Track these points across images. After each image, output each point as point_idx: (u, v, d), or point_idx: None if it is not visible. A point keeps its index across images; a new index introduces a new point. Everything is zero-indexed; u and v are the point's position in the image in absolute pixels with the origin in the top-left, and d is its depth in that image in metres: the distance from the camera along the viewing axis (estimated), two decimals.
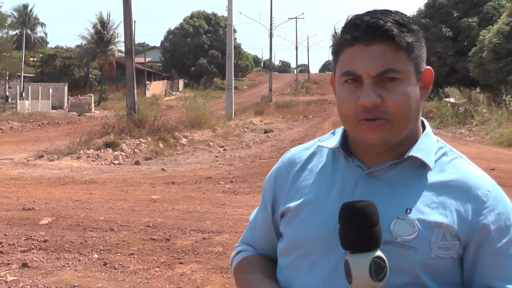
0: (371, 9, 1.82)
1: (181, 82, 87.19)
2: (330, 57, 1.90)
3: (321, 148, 1.97)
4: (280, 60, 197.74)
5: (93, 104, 51.99)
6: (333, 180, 1.86)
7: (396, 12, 1.78)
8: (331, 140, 1.94)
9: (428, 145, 1.83)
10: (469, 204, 1.74)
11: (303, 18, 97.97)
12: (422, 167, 1.79)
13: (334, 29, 1.83)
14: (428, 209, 1.72)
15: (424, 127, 1.89)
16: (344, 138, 1.89)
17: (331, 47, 1.86)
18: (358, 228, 1.59)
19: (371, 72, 1.70)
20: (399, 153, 1.79)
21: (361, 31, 1.72)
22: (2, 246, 8.60)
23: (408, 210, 1.72)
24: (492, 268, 1.72)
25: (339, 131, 1.93)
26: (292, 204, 1.89)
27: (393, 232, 1.70)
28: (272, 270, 1.97)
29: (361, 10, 1.82)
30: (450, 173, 1.80)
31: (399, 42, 1.71)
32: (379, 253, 1.59)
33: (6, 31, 49.20)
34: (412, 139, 1.81)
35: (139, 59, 68.37)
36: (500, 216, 1.74)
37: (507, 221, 1.75)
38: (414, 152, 1.78)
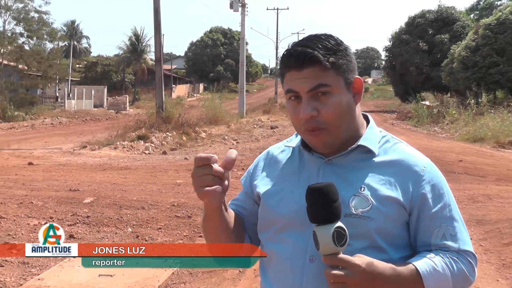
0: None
1: (201, 86, 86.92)
2: None
3: (289, 147, 2.04)
4: None
5: (128, 104, 51.97)
6: (301, 170, 1.94)
7: (326, 37, 1.85)
8: (295, 140, 2.03)
9: (373, 135, 1.92)
10: (409, 178, 1.83)
11: (304, 33, 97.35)
12: (369, 153, 1.88)
13: (277, 58, 1.93)
14: (378, 185, 1.81)
15: (368, 122, 1.98)
16: None
17: (277, 71, 1.95)
18: (321, 204, 1.66)
19: (305, 88, 1.79)
20: (350, 145, 1.87)
21: (292, 59, 1.81)
22: (53, 220, 8.65)
23: (362, 188, 1.81)
24: (430, 228, 1.82)
25: None
26: (267, 190, 1.96)
27: (352, 207, 1.78)
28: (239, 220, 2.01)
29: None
30: (393, 155, 1.89)
31: (325, 65, 1.78)
32: (340, 224, 1.66)
33: (57, 42, 49.13)
34: (359, 133, 1.91)
35: (166, 66, 68.18)
36: (435, 186, 1.84)
37: (441, 190, 1.85)
38: (362, 141, 1.88)
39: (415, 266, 1.74)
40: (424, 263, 1.75)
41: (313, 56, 1.78)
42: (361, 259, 1.67)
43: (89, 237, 7.87)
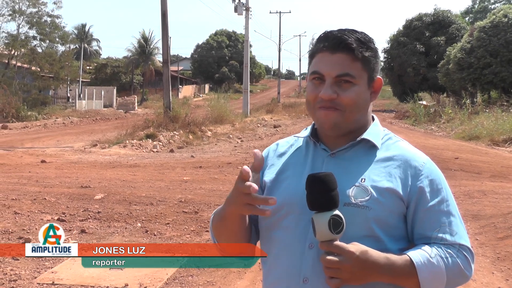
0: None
1: (206, 86, 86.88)
2: None
3: (297, 139, 2.05)
4: (286, 69, 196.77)
5: (136, 104, 51.90)
6: (306, 160, 1.95)
7: (361, 32, 1.89)
8: (305, 132, 2.04)
9: (376, 131, 1.94)
10: (409, 172, 1.84)
11: (305, 36, 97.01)
12: (372, 148, 1.90)
13: (312, 39, 1.95)
14: (378, 178, 1.82)
15: (373, 120, 1.99)
16: (314, 129, 1.99)
17: (308, 52, 1.99)
18: (320, 192, 1.68)
19: (332, 73, 1.82)
20: (354, 138, 1.89)
21: (329, 41, 1.84)
22: (65, 216, 8.67)
23: (363, 180, 1.82)
24: (427, 221, 1.82)
25: (310, 126, 2.03)
26: (274, 178, 1.97)
27: (352, 196, 1.79)
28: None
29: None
30: (394, 150, 1.90)
31: (356, 54, 1.82)
32: (337, 212, 1.68)
33: (69, 45, 49.06)
34: (364, 128, 1.93)
35: (173, 68, 68.14)
36: (433, 182, 1.85)
37: (439, 185, 1.86)
38: (366, 135, 1.90)
39: (409, 257, 1.74)
40: (419, 255, 1.75)
41: (349, 43, 1.82)
42: (355, 247, 1.68)
43: (100, 232, 7.89)
